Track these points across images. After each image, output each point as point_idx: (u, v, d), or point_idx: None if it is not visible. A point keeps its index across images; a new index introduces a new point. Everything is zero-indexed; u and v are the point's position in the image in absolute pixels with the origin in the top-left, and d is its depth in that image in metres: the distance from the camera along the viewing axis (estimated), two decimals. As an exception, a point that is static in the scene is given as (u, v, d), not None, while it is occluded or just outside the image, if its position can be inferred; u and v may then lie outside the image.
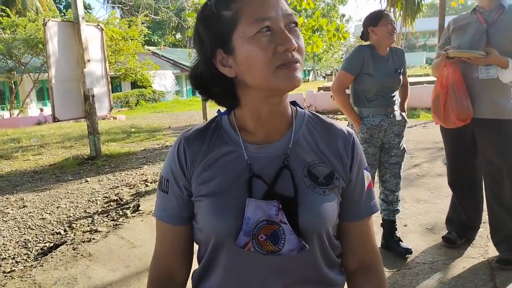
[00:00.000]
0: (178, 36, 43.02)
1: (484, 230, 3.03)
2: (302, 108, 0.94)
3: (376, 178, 2.95)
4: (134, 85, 24.93)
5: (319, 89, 15.56)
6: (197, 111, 15.75)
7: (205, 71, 0.84)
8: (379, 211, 2.95)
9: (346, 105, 2.76)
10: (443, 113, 2.57)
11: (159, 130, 10.99)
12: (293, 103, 0.93)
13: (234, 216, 0.80)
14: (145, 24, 20.70)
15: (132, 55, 19.25)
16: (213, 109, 15.02)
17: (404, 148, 2.87)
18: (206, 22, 0.82)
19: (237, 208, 0.80)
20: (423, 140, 6.72)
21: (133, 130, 11.12)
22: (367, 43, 2.78)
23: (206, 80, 0.85)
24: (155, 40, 39.05)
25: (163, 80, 26.68)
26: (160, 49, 33.93)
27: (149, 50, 26.08)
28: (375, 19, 2.70)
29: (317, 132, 0.90)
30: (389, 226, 2.93)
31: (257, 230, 0.79)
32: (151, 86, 24.48)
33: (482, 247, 2.91)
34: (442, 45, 2.74)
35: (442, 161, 5.44)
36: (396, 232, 2.93)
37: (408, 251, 2.83)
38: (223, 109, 0.93)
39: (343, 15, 43.07)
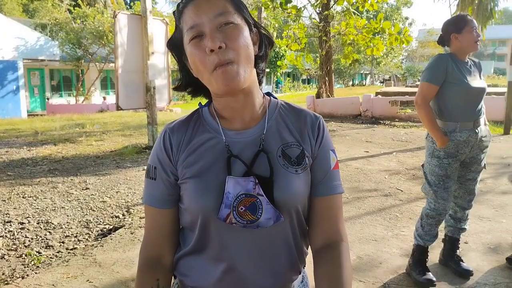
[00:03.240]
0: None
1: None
2: (276, 98, 1.05)
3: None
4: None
5: (377, 94, 15.17)
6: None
7: (182, 76, 0.99)
8: (443, 227, 2.82)
9: (431, 121, 2.52)
10: None
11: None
12: (268, 94, 1.04)
13: (216, 193, 0.90)
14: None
15: (191, 50, 19.72)
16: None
17: (485, 164, 2.68)
18: (173, 35, 0.96)
19: (219, 186, 0.90)
20: (489, 154, 6.34)
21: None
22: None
23: (186, 84, 1.00)
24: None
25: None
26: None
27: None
28: (459, 25, 2.52)
29: (288, 118, 1.00)
30: (451, 244, 2.78)
31: (237, 203, 0.88)
32: (207, 81, 24.91)
33: (553, 274, 2.71)
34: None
35: (508, 178, 5.13)
36: (457, 251, 2.79)
37: (469, 272, 2.68)
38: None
39: (406, 18, 41.61)
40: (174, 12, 0.94)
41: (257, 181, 0.89)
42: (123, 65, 6.86)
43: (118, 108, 7.06)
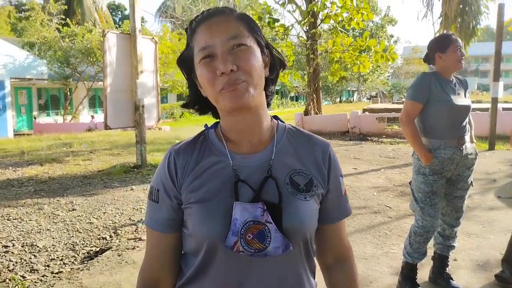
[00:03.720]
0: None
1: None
2: (283, 122, 1.03)
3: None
4: (180, 97, 25.60)
5: (364, 110, 15.33)
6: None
7: (190, 93, 0.98)
8: (432, 244, 2.82)
9: (416, 138, 2.56)
10: None
11: (203, 143, 11.15)
12: (275, 118, 1.03)
13: (223, 219, 0.86)
14: (195, 39, 21.26)
15: (180, 68, 19.81)
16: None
17: (472, 182, 2.70)
18: (183, 52, 0.95)
19: (226, 212, 0.87)
20: (475, 170, 6.42)
21: (177, 141, 11.33)
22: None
23: (194, 101, 0.98)
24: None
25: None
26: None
27: (197, 63, 26.66)
28: (443, 45, 2.56)
29: (297, 143, 0.98)
30: (440, 261, 2.79)
31: (245, 230, 0.85)
32: (196, 99, 24.96)
33: (541, 290, 2.72)
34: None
35: (495, 194, 5.19)
36: (447, 268, 2.79)
37: None
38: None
39: (392, 36, 42.41)
40: (186, 29, 0.94)
41: (265, 207, 0.86)
42: (111, 84, 6.85)
43: (107, 127, 7.01)
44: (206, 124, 1.02)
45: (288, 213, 0.88)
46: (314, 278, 1.00)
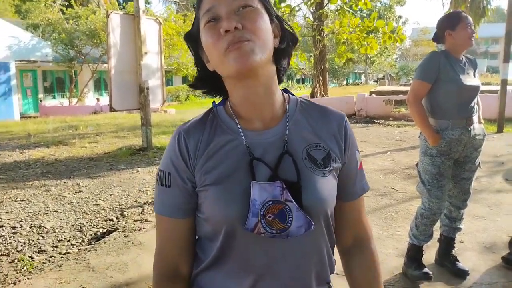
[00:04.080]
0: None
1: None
2: (294, 95, 0.98)
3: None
4: (185, 79, 25.50)
5: (371, 93, 15.20)
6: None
7: (198, 70, 0.94)
8: (438, 226, 2.81)
9: (423, 118, 2.52)
10: None
11: (208, 125, 11.14)
12: (285, 91, 0.97)
13: (241, 201, 0.82)
14: (200, 20, 21.09)
15: (185, 50, 19.69)
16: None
17: (479, 163, 2.67)
18: (192, 27, 0.91)
19: (243, 192, 0.82)
20: (483, 152, 6.38)
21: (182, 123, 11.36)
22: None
23: (203, 81, 0.94)
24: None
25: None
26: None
27: (202, 45, 26.51)
28: (453, 22, 2.50)
29: (311, 116, 0.93)
30: (446, 243, 2.78)
31: (265, 210, 0.81)
32: (201, 82, 24.89)
33: (548, 273, 2.71)
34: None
35: (503, 177, 5.15)
36: (453, 250, 2.78)
37: (466, 272, 2.66)
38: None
39: (400, 17, 41.74)
40: (193, 5, 0.90)
41: (284, 186, 0.82)
42: (116, 65, 6.81)
43: (112, 109, 7.00)
44: (214, 101, 0.96)
45: (308, 190, 0.84)
46: (333, 254, 0.97)
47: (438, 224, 2.74)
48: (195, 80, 0.95)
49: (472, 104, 2.53)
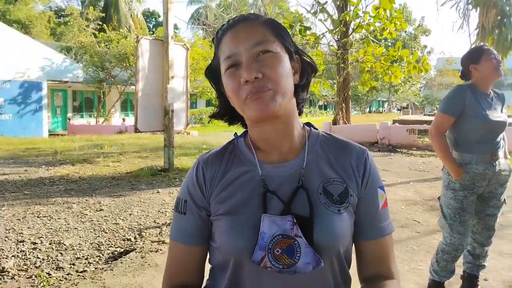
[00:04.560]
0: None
1: None
2: (316, 129, 0.97)
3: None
4: (209, 103, 25.89)
5: (394, 121, 15.05)
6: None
7: (220, 103, 0.95)
8: (462, 263, 2.71)
9: (446, 152, 2.49)
10: None
11: (229, 149, 11.19)
12: (308, 124, 0.97)
13: (251, 233, 0.82)
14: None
15: (210, 75, 20.06)
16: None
17: (505, 199, 2.59)
18: (211, 62, 0.93)
19: (253, 225, 0.82)
20: (509, 188, 6.18)
21: (204, 146, 11.46)
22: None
23: (223, 111, 0.95)
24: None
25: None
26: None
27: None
28: (476, 56, 2.48)
29: (330, 150, 0.92)
30: (470, 281, 2.67)
31: (273, 244, 0.80)
32: (225, 105, 25.21)
33: None
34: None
35: (531, 213, 4.95)
36: (477, 288, 2.67)
37: None
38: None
39: (425, 46, 41.59)
40: (213, 39, 0.92)
41: (295, 220, 0.81)
42: (143, 88, 6.99)
43: (137, 130, 7.15)
44: (235, 133, 0.99)
45: (320, 227, 0.82)
46: None
47: (461, 259, 2.65)
48: (217, 112, 0.97)
49: (498, 139, 2.48)
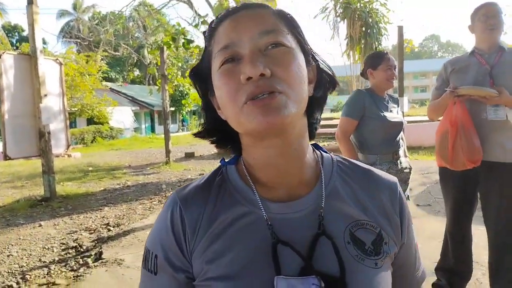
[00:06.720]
0: (137, 73, 42.91)
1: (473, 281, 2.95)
2: (326, 152, 0.75)
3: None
4: (90, 121, 24.19)
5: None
6: (158, 149, 15.34)
7: (207, 118, 0.72)
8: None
9: (352, 154, 2.58)
10: (451, 154, 2.38)
11: (119, 169, 10.51)
12: (316, 147, 0.74)
13: None
14: (104, 61, 20.43)
15: (89, 91, 18.81)
16: (176, 146, 14.67)
17: (408, 196, 2.75)
18: (199, 62, 0.70)
19: None
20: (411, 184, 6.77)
21: (90, 168, 10.58)
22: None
23: (210, 129, 0.72)
24: (113, 76, 38.53)
25: (121, 117, 26.12)
26: (121, 85, 33.55)
27: (107, 86, 25.62)
28: (375, 62, 2.62)
29: (353, 182, 0.70)
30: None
31: None
32: (108, 123, 23.85)
33: (473, 294, 2.82)
34: (440, 86, 2.61)
35: (413, 203, 5.44)
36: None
37: None
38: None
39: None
40: (204, 33, 0.68)
41: (323, 284, 0.58)
42: (10, 109, 6.21)
43: (6, 157, 6.27)
44: (222, 159, 0.73)
45: None
46: None
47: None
48: (202, 129, 0.73)
49: (397, 139, 2.65)
